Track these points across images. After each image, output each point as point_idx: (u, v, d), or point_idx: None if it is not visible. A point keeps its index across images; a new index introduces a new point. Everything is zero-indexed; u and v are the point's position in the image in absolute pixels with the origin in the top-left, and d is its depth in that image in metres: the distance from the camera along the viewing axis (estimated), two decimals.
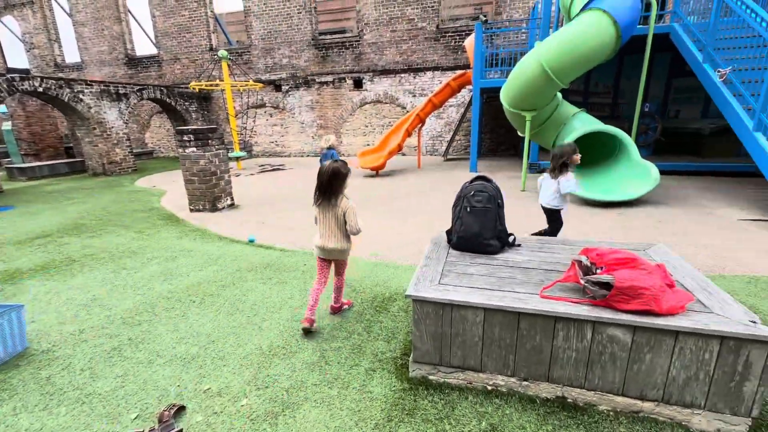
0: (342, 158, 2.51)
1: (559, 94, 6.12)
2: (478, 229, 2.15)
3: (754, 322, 1.42)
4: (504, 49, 9.25)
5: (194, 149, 5.26)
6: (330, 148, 5.48)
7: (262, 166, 10.76)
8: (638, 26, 5.82)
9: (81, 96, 9.09)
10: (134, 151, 11.80)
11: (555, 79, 5.12)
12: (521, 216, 4.78)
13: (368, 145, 11.82)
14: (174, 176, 8.96)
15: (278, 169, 9.95)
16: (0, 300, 2.90)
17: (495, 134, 11.00)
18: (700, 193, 5.64)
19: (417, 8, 10.62)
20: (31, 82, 8.11)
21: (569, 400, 1.65)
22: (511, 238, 2.30)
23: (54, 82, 8.58)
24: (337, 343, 2.20)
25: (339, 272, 2.48)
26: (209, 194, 5.43)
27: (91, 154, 9.73)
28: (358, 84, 11.67)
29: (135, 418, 1.70)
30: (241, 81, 10.99)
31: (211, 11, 12.56)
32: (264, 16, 11.93)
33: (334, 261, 2.43)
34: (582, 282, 1.60)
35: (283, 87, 12.32)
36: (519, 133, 6.61)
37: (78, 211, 5.79)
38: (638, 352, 1.50)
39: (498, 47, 9.72)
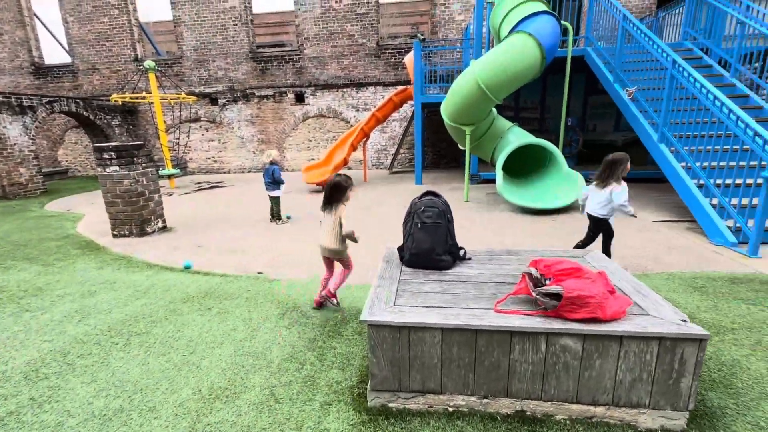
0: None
1: (495, 110, 6.50)
2: (431, 245, 2.13)
3: (684, 321, 1.54)
4: (442, 67, 9.70)
5: (117, 168, 4.73)
6: (272, 163, 5.29)
7: (198, 183, 10.07)
8: (558, 49, 6.40)
9: None
10: (44, 170, 10.43)
11: (490, 95, 5.41)
12: (466, 226, 4.92)
13: (312, 159, 11.62)
14: (94, 197, 8.03)
15: (217, 187, 9.37)
16: None
17: (437, 147, 11.39)
18: None
19: (357, 25, 10.78)
20: None
21: (528, 413, 1.65)
22: (461, 252, 2.31)
23: None
24: (288, 377, 2.03)
25: (345, 266, 2.82)
26: (136, 217, 4.90)
27: None
28: (300, 98, 11.48)
29: None
30: (172, 93, 10.28)
31: (136, 19, 11.67)
32: (196, 27, 11.34)
33: (333, 259, 2.77)
34: (534, 294, 1.63)
35: (219, 100, 11.73)
36: (460, 146, 6.88)
37: None
38: (588, 359, 1.55)
39: (436, 65, 10.16)
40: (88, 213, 6.59)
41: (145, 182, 4.98)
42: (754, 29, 5.68)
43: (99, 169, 4.76)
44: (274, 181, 5.29)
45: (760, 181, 3.63)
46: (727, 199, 4.12)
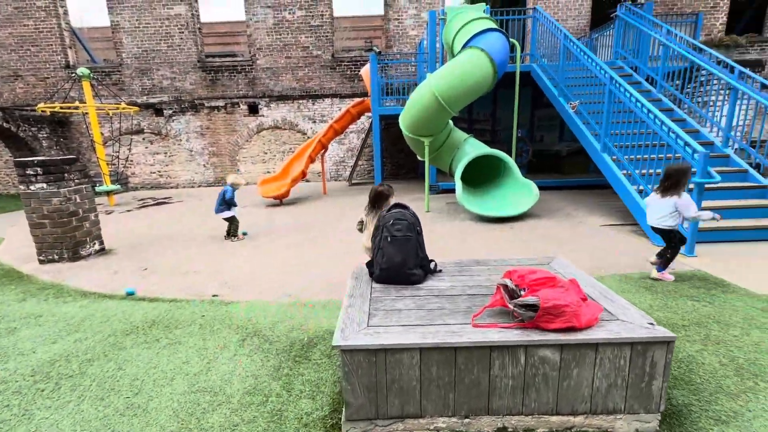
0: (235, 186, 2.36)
1: (451, 122, 6.66)
2: (402, 259, 2.06)
3: (652, 324, 1.58)
4: (397, 80, 9.85)
5: (44, 185, 4.21)
6: (233, 185, 5.08)
7: (142, 200, 9.32)
8: (508, 65, 6.72)
9: None
10: None
11: (446, 107, 5.54)
12: (430, 236, 4.92)
13: (269, 172, 11.23)
14: (15, 218, 7.12)
15: (164, 203, 8.72)
16: None
17: (395, 158, 11.48)
18: (568, 204, 6.62)
19: (311, 36, 10.69)
20: None
21: (510, 430, 1.61)
22: (432, 265, 2.27)
23: None
24: (251, 413, 1.84)
25: None
26: (68, 239, 4.38)
27: None
28: (253, 109, 11.11)
29: None
30: (111, 104, 9.50)
31: (66, 23, 10.74)
32: (137, 33, 10.65)
33: None
34: (510, 306, 1.60)
35: (165, 111, 11.04)
36: (419, 157, 6.96)
37: None
38: (566, 368, 1.54)
39: (391, 77, 10.31)
40: (9, 237, 5.81)
41: (78, 200, 4.48)
42: (675, 51, 6.34)
43: (22, 187, 4.21)
44: (224, 203, 5.03)
45: (692, 186, 3.97)
46: None
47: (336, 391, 1.96)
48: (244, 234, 5.35)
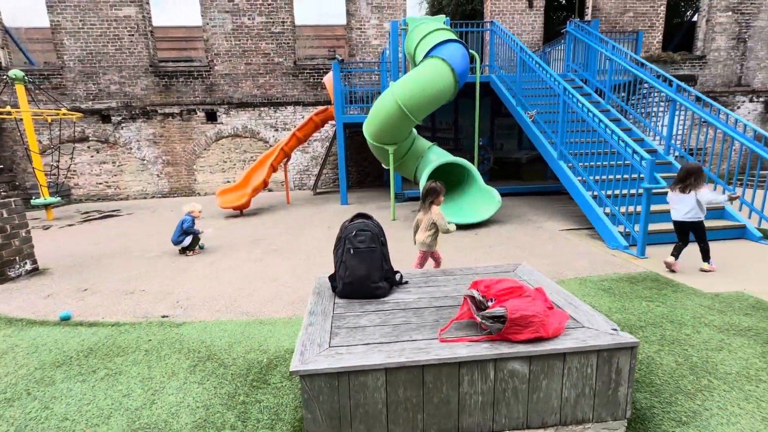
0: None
1: (415, 130, 6.70)
2: (366, 272, 1.96)
3: (616, 330, 1.58)
4: (361, 88, 9.83)
5: None
6: (191, 214, 4.82)
7: (86, 213, 8.61)
8: (468, 75, 6.89)
9: None
10: None
11: (409, 115, 5.55)
12: (396, 245, 4.87)
13: (228, 181, 10.78)
14: None
15: (111, 216, 8.09)
16: None
17: (360, 166, 11.42)
18: (528, 210, 6.82)
19: (272, 43, 10.47)
20: None
21: None
22: (397, 276, 2.19)
23: None
24: None
25: (435, 260, 3.36)
26: None
27: None
28: (211, 116, 10.66)
29: None
30: (50, 109, 8.75)
31: None
32: (81, 35, 9.95)
33: (426, 253, 3.28)
34: (478, 319, 1.55)
35: (113, 118, 10.34)
36: (384, 166, 6.92)
37: None
38: (535, 381, 1.50)
39: (355, 86, 10.28)
40: None
41: (5, 215, 4.01)
42: (620, 65, 6.78)
43: None
44: (184, 233, 4.76)
45: (641, 191, 4.20)
46: (617, 207, 4.71)
47: (298, 418, 1.82)
48: (201, 248, 5.03)
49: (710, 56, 11.36)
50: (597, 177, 5.16)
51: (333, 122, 9.70)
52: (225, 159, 10.99)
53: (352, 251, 1.97)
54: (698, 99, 5.74)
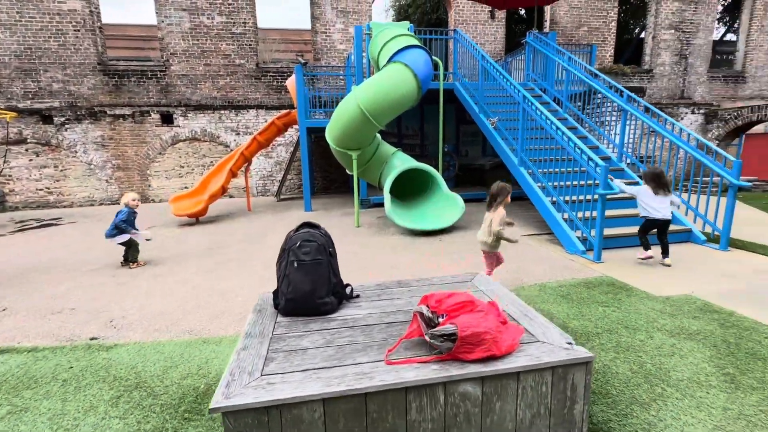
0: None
1: (379, 136, 6.61)
2: (311, 287, 1.79)
3: (570, 344, 1.51)
4: (326, 93, 9.65)
5: None
6: (127, 206, 4.38)
7: (21, 222, 7.84)
8: (431, 81, 6.90)
9: None
10: None
11: (372, 120, 5.45)
12: (360, 252, 4.71)
13: (186, 187, 10.22)
14: None
15: (50, 225, 7.40)
16: None
17: (326, 172, 11.20)
18: None
19: (233, 44, 10.09)
20: None
21: None
22: (348, 290, 2.04)
23: None
24: None
25: (489, 263, 3.43)
26: None
27: None
28: (167, 119, 10.09)
29: None
30: None
31: None
32: (18, 28, 9.15)
33: (489, 253, 3.35)
34: (427, 338, 1.43)
35: (55, 118, 9.54)
36: (348, 171, 6.77)
37: None
38: (488, 403, 1.39)
39: (320, 90, 10.09)
40: None
41: None
42: (576, 75, 7.03)
43: None
44: (117, 227, 4.33)
45: (596, 196, 4.29)
46: (575, 213, 4.81)
47: None
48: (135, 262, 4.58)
49: (656, 70, 12.13)
50: (556, 183, 5.26)
51: (297, 126, 9.44)
52: (182, 164, 10.42)
53: (295, 264, 1.80)
54: (647, 109, 6.03)
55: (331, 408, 1.27)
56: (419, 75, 5.50)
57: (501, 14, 11.35)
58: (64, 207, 9.89)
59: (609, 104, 6.88)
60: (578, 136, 6.49)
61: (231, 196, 10.49)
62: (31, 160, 9.67)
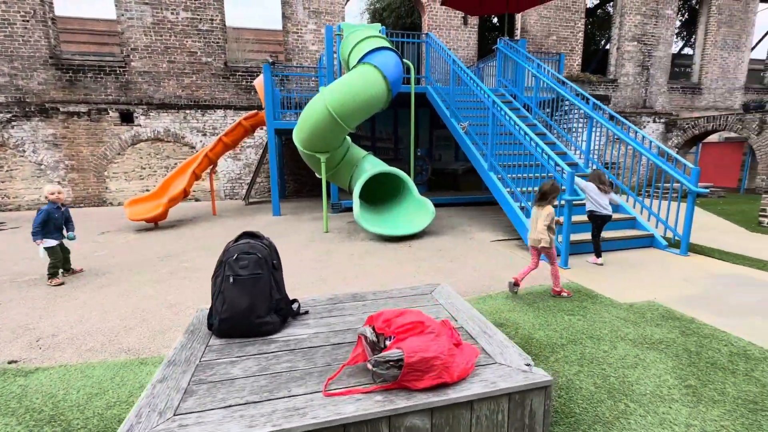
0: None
1: (349, 138, 6.44)
2: (248, 305, 1.60)
3: (529, 365, 1.40)
4: (298, 94, 9.41)
5: None
6: (48, 199, 3.93)
7: None
8: (403, 85, 6.81)
9: None
10: None
11: (341, 123, 5.28)
12: (325, 259, 4.52)
13: (148, 190, 9.68)
14: None
15: None
16: None
17: (298, 175, 10.92)
18: (462, 221, 6.84)
19: (199, 41, 9.69)
20: None
21: None
22: (295, 306, 1.85)
23: None
24: None
25: (550, 261, 3.36)
26: None
27: None
28: (127, 118, 9.55)
29: None
30: None
31: None
32: None
33: (540, 249, 3.33)
34: (369, 365, 1.27)
35: (0, 115, 8.83)
36: (317, 175, 6.56)
37: None
38: None
39: (291, 91, 9.83)
40: None
41: None
42: (544, 83, 7.13)
43: None
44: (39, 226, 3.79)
45: (563, 202, 4.29)
46: None
47: None
48: (69, 271, 4.18)
49: (621, 80, 12.59)
50: (524, 188, 5.25)
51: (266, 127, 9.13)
52: (143, 165, 9.88)
53: (231, 279, 1.60)
54: (612, 117, 6.16)
55: None
56: (389, 77, 5.38)
57: (474, 20, 11.47)
58: (10, 210, 9.15)
59: (576, 111, 7.01)
60: (546, 143, 6.57)
61: (197, 200, 10.04)
62: None
